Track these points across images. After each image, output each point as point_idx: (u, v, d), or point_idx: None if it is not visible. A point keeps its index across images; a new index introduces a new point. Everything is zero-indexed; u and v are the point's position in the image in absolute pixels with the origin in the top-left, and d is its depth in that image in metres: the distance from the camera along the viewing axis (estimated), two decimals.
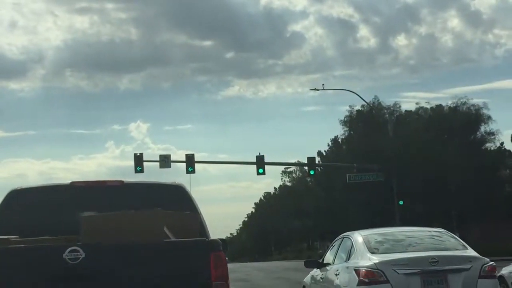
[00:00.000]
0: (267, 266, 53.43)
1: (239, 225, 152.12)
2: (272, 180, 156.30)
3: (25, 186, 9.16)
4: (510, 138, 59.05)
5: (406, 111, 60.40)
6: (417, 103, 63.01)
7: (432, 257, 11.65)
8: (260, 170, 49.97)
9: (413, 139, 53.87)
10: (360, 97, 56.34)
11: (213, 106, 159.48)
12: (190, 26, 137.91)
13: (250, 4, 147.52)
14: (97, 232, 7.43)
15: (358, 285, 11.70)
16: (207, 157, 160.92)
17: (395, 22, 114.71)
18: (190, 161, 49.50)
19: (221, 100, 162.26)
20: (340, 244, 13.87)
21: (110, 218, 7.60)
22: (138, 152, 50.06)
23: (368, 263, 11.81)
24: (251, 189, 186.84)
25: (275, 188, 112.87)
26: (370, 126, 57.08)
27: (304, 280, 16.10)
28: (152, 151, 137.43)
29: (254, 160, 50.69)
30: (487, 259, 12.02)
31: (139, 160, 48.85)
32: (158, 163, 50.18)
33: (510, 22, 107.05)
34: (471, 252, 12.24)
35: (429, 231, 13.44)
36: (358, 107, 59.48)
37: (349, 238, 13.36)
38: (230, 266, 9.62)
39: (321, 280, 14.11)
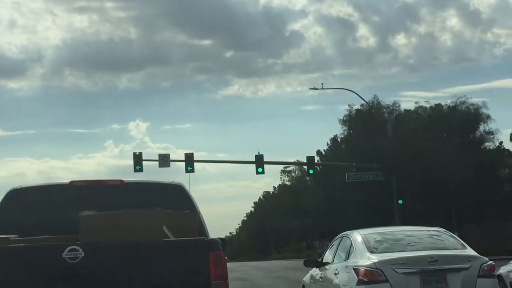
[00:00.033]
0: (266, 265, 53.44)
1: (238, 224, 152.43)
2: (271, 179, 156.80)
3: (25, 185, 9.15)
4: (509, 137, 59.18)
5: (405, 110, 60.50)
6: (416, 102, 63.25)
7: (431, 257, 11.65)
8: (259, 169, 49.96)
9: (412, 139, 53.89)
10: (359, 96, 56.43)
11: (213, 105, 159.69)
12: (190, 25, 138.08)
13: (250, 3, 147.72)
14: (97, 231, 7.44)
15: (357, 284, 11.70)
16: (206, 156, 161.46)
17: (395, 21, 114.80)
18: (189, 160, 49.49)
19: (221, 99, 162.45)
20: (339, 244, 13.86)
21: (110, 217, 7.60)
22: (137, 151, 49.94)
23: (367, 262, 11.81)
24: (250, 188, 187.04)
25: (274, 187, 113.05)
26: (369, 126, 57.10)
27: (304, 279, 16.10)
28: (151, 150, 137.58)
29: (253, 159, 50.68)
30: (486, 259, 12.02)
31: (138, 159, 48.83)
32: (157, 162, 50.16)
33: (509, 21, 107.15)
34: (470, 252, 12.24)
35: (428, 231, 13.43)
36: (357, 106, 59.64)
37: (348, 237, 13.36)
38: (229, 265, 9.62)
39: (320, 279, 14.11)
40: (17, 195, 8.85)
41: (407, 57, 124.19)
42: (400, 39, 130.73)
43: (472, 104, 56.88)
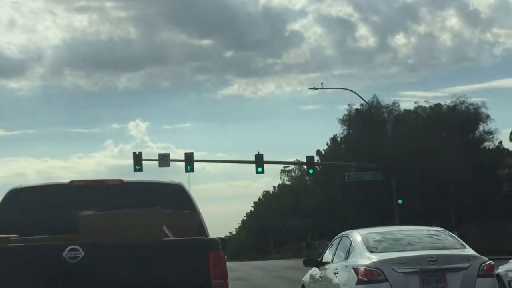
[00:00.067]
0: (266, 265, 53.44)
1: (238, 224, 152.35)
2: (271, 179, 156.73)
3: (25, 185, 9.16)
4: (508, 137, 59.23)
5: (405, 110, 60.48)
6: (416, 102, 63.20)
7: (431, 256, 11.67)
8: (259, 169, 49.96)
9: (412, 138, 53.89)
10: (359, 96, 56.45)
11: (212, 105, 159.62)
12: (189, 25, 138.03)
13: (250, 3, 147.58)
14: (97, 231, 7.45)
15: (357, 284, 11.71)
16: (206, 156, 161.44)
17: (394, 21, 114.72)
18: (189, 160, 49.49)
19: (220, 99, 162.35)
20: (339, 243, 13.87)
21: (110, 217, 7.61)
22: (137, 151, 49.95)
23: (367, 262, 11.83)
24: (250, 188, 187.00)
25: (274, 187, 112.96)
26: (369, 125, 57.10)
27: (303, 279, 16.11)
28: (151, 150, 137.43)
29: (253, 159, 50.66)
30: (486, 258, 12.03)
31: (138, 159, 48.83)
32: (157, 162, 50.16)
33: (508, 21, 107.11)
34: (469, 251, 12.26)
35: (428, 230, 13.45)
36: (357, 106, 59.59)
37: (348, 237, 13.36)
38: (229, 265, 9.63)
39: (320, 279, 14.12)
40: (17, 195, 8.85)
41: (407, 57, 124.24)
42: (399, 39, 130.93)
43: (472, 104, 56.98)
